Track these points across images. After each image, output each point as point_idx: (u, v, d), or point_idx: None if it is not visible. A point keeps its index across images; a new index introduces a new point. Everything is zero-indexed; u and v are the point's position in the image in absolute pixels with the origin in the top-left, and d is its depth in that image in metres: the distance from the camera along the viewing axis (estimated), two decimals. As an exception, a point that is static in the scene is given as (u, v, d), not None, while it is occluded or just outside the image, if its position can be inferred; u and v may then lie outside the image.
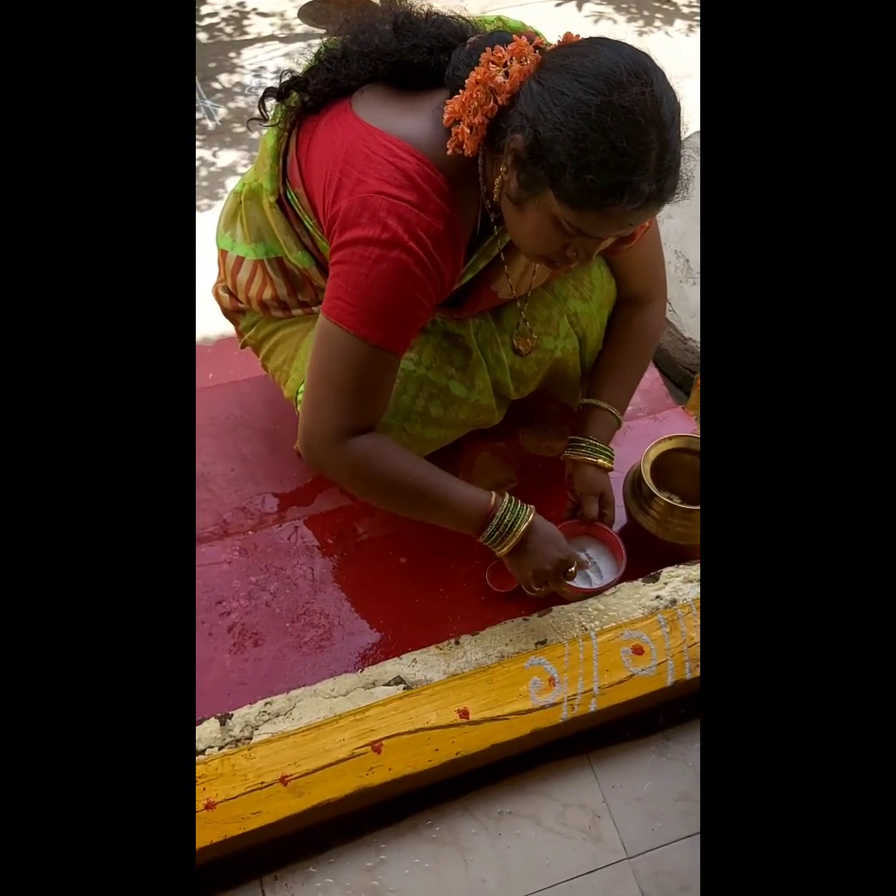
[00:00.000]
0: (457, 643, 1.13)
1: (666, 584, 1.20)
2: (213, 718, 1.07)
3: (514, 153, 0.88)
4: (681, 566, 1.22)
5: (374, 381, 1.01)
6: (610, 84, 0.82)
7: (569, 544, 1.30)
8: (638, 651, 1.09)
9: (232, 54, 3.00)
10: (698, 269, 1.78)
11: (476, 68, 0.88)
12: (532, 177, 0.87)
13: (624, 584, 1.21)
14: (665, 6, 3.44)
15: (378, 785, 1.00)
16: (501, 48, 0.89)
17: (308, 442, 1.05)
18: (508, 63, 0.88)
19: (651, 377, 1.64)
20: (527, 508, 1.09)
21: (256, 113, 1.10)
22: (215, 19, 3.15)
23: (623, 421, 1.30)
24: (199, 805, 0.98)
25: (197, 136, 2.74)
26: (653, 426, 1.53)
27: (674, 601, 1.17)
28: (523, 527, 1.07)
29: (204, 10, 3.17)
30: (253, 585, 1.32)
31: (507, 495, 1.09)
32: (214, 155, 2.67)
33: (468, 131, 0.89)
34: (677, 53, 3.19)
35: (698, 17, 3.39)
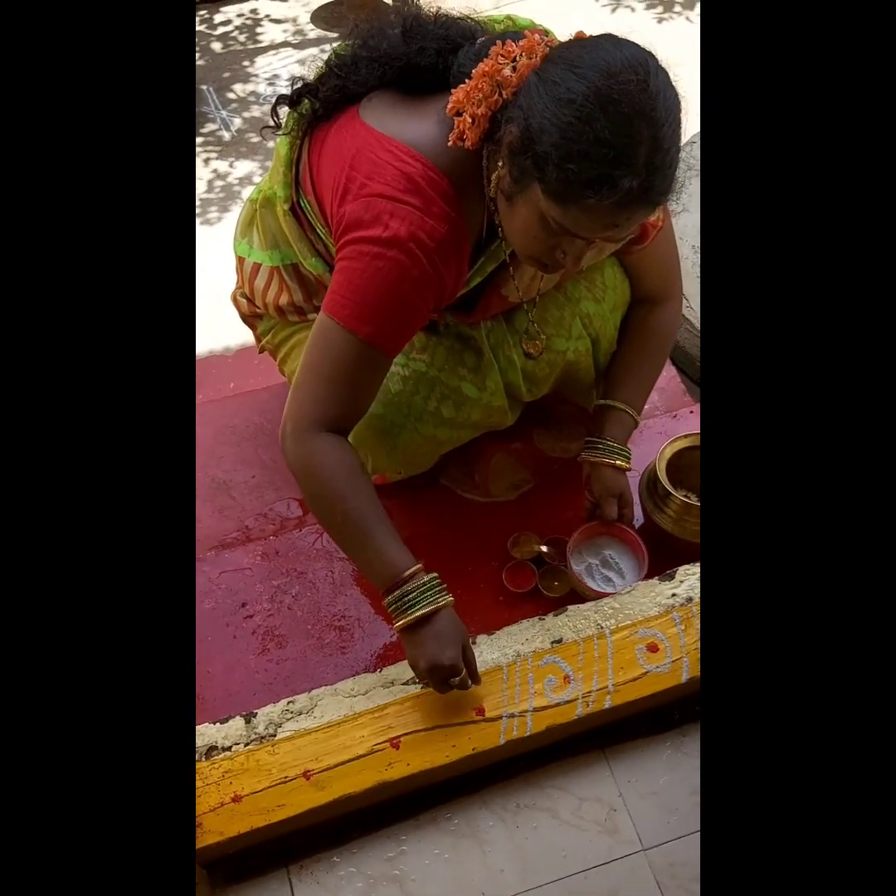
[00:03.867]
0: (473, 643, 1.20)
1: (682, 582, 1.25)
2: (238, 716, 1.15)
3: (508, 145, 0.90)
4: (697, 564, 1.27)
5: (358, 376, 1.04)
6: (602, 74, 0.83)
7: (589, 545, 1.36)
8: (652, 648, 1.15)
9: (246, 63, 3.12)
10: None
11: (484, 60, 0.91)
12: (521, 169, 0.89)
13: (639, 582, 1.26)
14: (685, -10, 3.47)
15: (397, 779, 1.06)
16: (512, 43, 0.91)
17: (283, 426, 1.07)
18: (518, 58, 0.90)
19: (667, 375, 1.69)
20: (440, 598, 1.05)
21: (270, 121, 1.16)
22: (228, 28, 3.27)
23: (640, 420, 1.35)
24: (227, 798, 1.06)
25: (213, 148, 2.85)
26: (670, 424, 1.58)
27: (690, 599, 1.22)
28: (420, 612, 1.02)
29: (217, 18, 3.30)
30: (275, 589, 1.40)
31: (434, 578, 1.05)
32: (231, 165, 2.78)
33: (470, 122, 0.91)
34: (698, 39, 3.23)
35: None
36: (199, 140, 2.86)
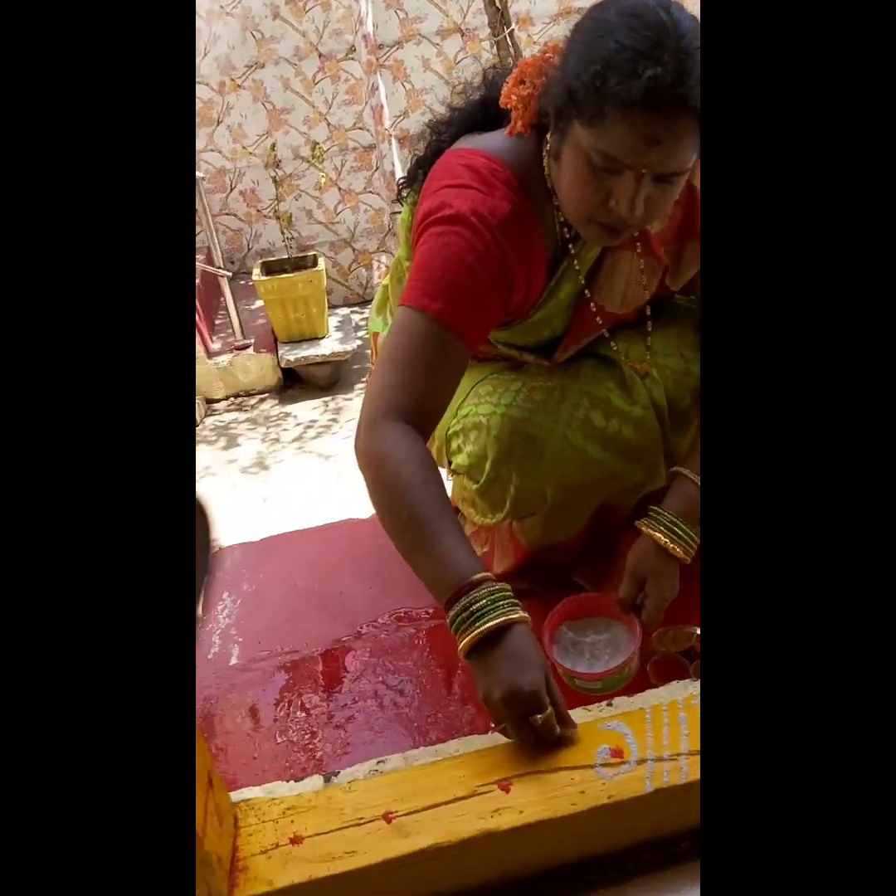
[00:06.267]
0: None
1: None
2: (317, 776, 0.99)
3: (553, 105, 0.97)
4: None
5: (431, 360, 1.02)
6: (621, 6, 0.90)
7: (582, 624, 1.13)
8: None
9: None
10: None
11: (532, 56, 1.03)
12: (560, 113, 0.96)
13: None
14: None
15: (505, 830, 0.83)
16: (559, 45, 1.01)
17: (360, 419, 1.03)
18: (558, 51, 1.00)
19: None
20: (513, 611, 0.90)
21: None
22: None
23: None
24: (284, 838, 0.87)
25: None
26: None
27: None
28: (489, 624, 0.88)
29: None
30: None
31: (505, 588, 0.92)
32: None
33: (515, 100, 1.01)
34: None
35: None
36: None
